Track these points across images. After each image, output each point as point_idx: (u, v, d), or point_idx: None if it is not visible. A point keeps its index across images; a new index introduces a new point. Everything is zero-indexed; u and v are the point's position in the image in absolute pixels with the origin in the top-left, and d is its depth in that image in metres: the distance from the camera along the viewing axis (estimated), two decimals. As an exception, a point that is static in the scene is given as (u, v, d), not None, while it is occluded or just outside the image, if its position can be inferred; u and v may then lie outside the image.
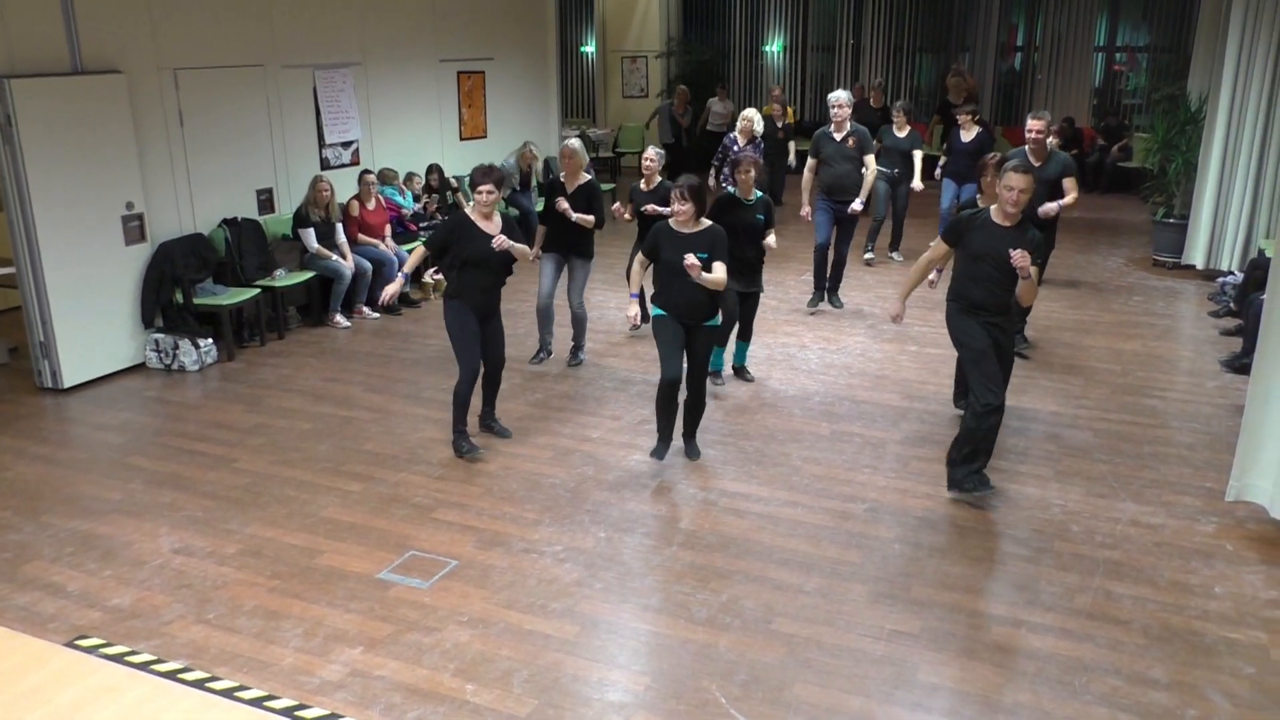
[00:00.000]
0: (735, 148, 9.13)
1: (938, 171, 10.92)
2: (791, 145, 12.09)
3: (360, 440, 6.18)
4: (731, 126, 10.15)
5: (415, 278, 9.40)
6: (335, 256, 8.47)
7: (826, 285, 8.93)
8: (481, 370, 5.99)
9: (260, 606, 4.37)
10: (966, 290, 5.18)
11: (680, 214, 5.41)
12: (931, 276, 6.38)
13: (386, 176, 9.58)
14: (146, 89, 7.51)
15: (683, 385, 5.68)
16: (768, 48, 18.13)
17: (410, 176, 9.98)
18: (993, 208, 5.15)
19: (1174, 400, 6.77)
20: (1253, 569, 4.66)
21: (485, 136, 11.52)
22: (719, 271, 5.37)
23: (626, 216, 7.57)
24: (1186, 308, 9.08)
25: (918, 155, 10.25)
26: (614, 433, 6.25)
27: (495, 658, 4.00)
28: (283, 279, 8.22)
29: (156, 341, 7.49)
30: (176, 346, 7.44)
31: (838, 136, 8.62)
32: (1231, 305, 8.60)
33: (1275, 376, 4.91)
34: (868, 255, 10.62)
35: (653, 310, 5.64)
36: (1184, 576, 4.60)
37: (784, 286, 9.66)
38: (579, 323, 7.44)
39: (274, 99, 8.68)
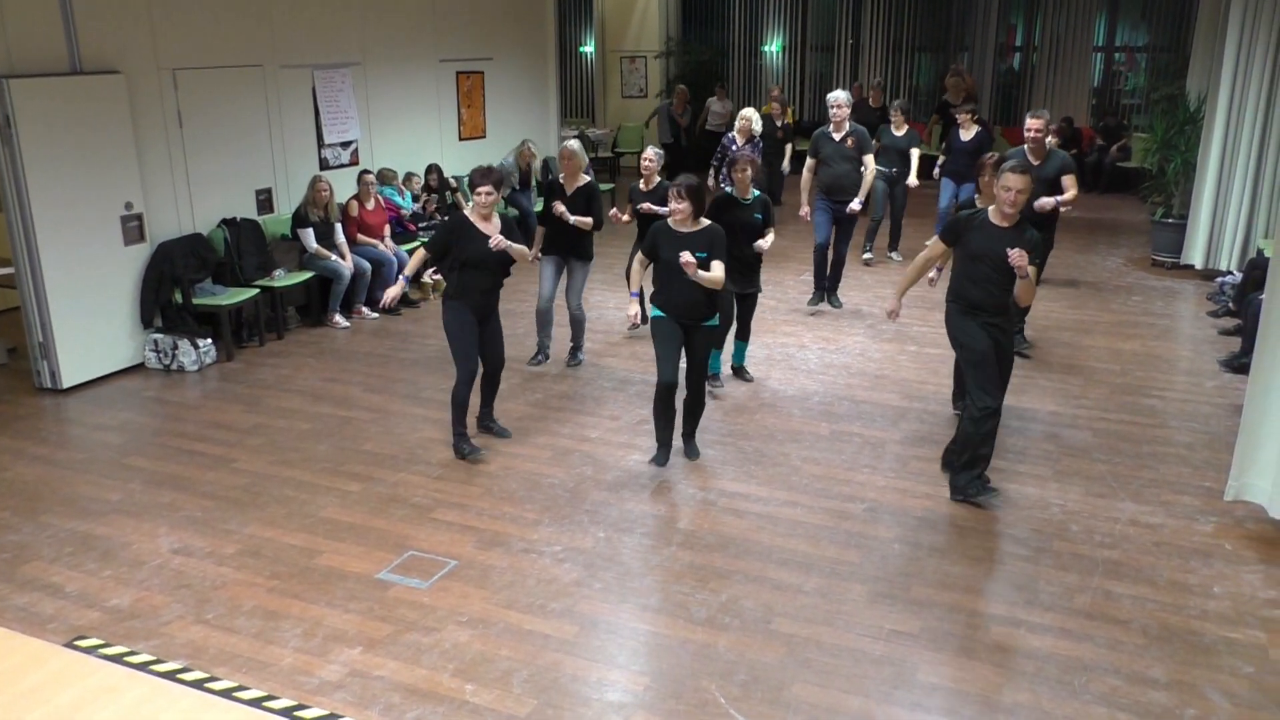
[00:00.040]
0: (734, 147, 9.12)
1: (936, 171, 10.93)
2: (789, 147, 12.08)
3: (359, 440, 6.18)
4: (730, 126, 10.14)
5: (414, 278, 9.38)
6: (334, 256, 8.47)
7: (826, 285, 8.93)
8: (480, 371, 5.99)
9: (259, 607, 4.37)
10: (965, 291, 5.18)
11: (677, 213, 5.41)
12: (931, 275, 6.39)
13: (386, 177, 9.58)
14: (145, 89, 7.51)
15: (681, 385, 5.68)
16: (767, 47, 18.13)
17: (409, 176, 9.98)
18: (990, 208, 5.15)
19: (1173, 400, 6.78)
20: (1251, 568, 4.67)
21: (484, 136, 11.52)
22: (717, 270, 5.36)
23: (624, 219, 7.57)
24: (1185, 307, 9.08)
25: (915, 153, 10.27)
26: (613, 433, 6.25)
27: (495, 658, 4.00)
28: (282, 279, 8.21)
29: (155, 342, 7.49)
30: (175, 347, 7.44)
31: (836, 136, 8.62)
32: (1230, 305, 8.61)
33: (1274, 376, 4.91)
34: (866, 255, 10.62)
35: (651, 311, 5.64)
36: (1183, 576, 4.60)
37: (783, 286, 9.67)
38: (577, 324, 7.44)
39: (273, 99, 8.68)
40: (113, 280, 7.27)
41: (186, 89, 7.83)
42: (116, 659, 3.92)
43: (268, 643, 4.11)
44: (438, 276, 9.06)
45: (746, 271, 6.64)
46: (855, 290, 9.45)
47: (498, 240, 5.68)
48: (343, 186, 9.03)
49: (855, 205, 8.57)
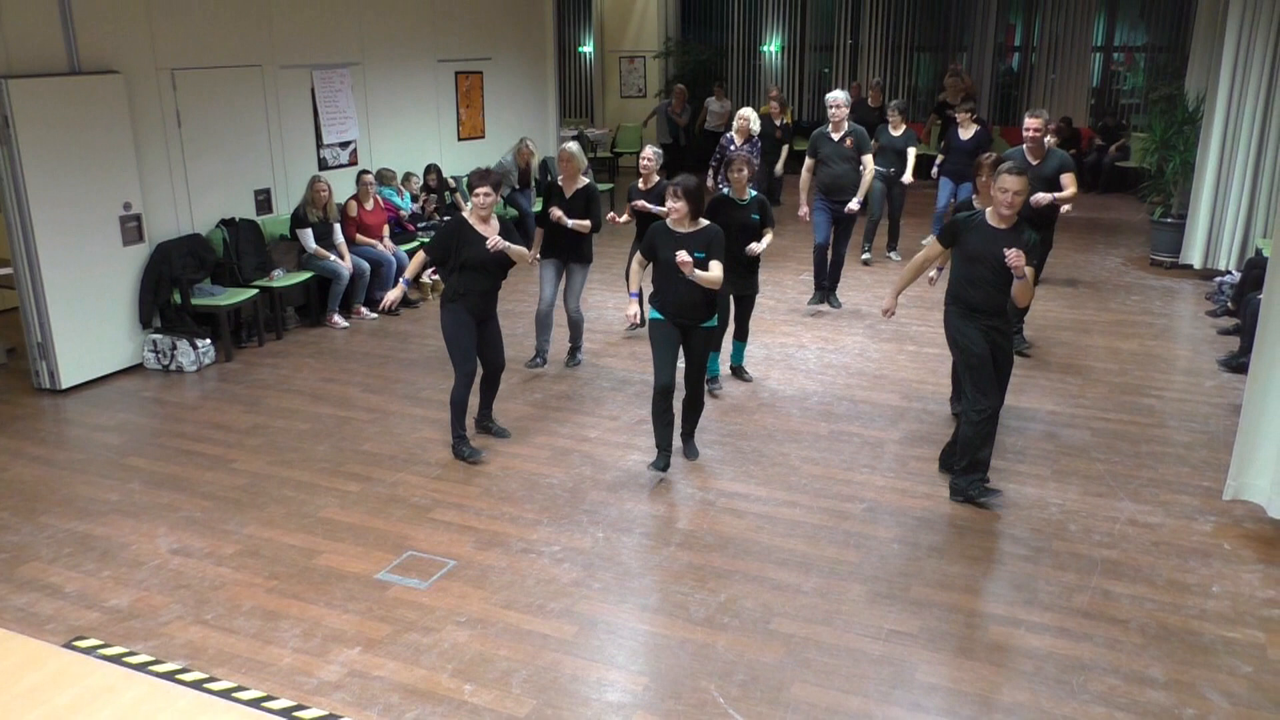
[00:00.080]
0: (732, 147, 9.12)
1: (934, 170, 10.94)
2: (785, 149, 12.05)
3: (358, 441, 6.18)
4: (728, 126, 10.14)
5: (414, 279, 9.38)
6: (333, 257, 8.47)
7: (826, 285, 8.93)
8: (481, 373, 5.99)
9: (258, 607, 4.37)
10: (963, 293, 5.17)
11: (674, 212, 5.40)
12: (931, 274, 6.38)
13: (385, 177, 9.58)
14: (144, 89, 7.50)
15: (680, 385, 5.68)
16: (766, 47, 18.13)
17: (408, 177, 9.97)
18: (988, 210, 5.14)
19: (1171, 399, 6.78)
20: (1250, 568, 4.67)
21: (483, 137, 11.52)
22: (715, 270, 5.34)
23: (621, 219, 7.58)
24: (1184, 307, 9.09)
25: (911, 152, 10.29)
26: (612, 433, 6.25)
27: (494, 658, 4.00)
28: (280, 279, 8.21)
29: (154, 342, 7.48)
30: (174, 347, 7.44)
31: (835, 136, 8.62)
32: (1229, 304, 8.61)
33: (1272, 376, 4.91)
34: (865, 255, 10.62)
35: (650, 313, 5.62)
36: (1181, 575, 4.61)
37: (782, 286, 9.67)
38: (576, 325, 7.43)
39: (272, 99, 8.67)
40: (111, 281, 7.27)
41: (185, 89, 7.83)
42: (115, 659, 3.92)
43: (267, 643, 4.11)
44: (436, 276, 9.06)
45: (744, 272, 6.63)
46: (854, 290, 9.46)
47: (495, 242, 5.67)
48: (341, 187, 9.03)
49: (854, 205, 8.57)
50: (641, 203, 7.26)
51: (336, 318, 8.58)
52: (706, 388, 6.61)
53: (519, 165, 10.60)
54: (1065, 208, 8.04)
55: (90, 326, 7.14)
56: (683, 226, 5.42)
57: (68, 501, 5.40)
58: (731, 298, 6.75)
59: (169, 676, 3.80)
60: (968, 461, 5.22)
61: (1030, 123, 7.25)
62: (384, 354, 7.87)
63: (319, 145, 9.26)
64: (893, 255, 10.82)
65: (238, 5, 8.28)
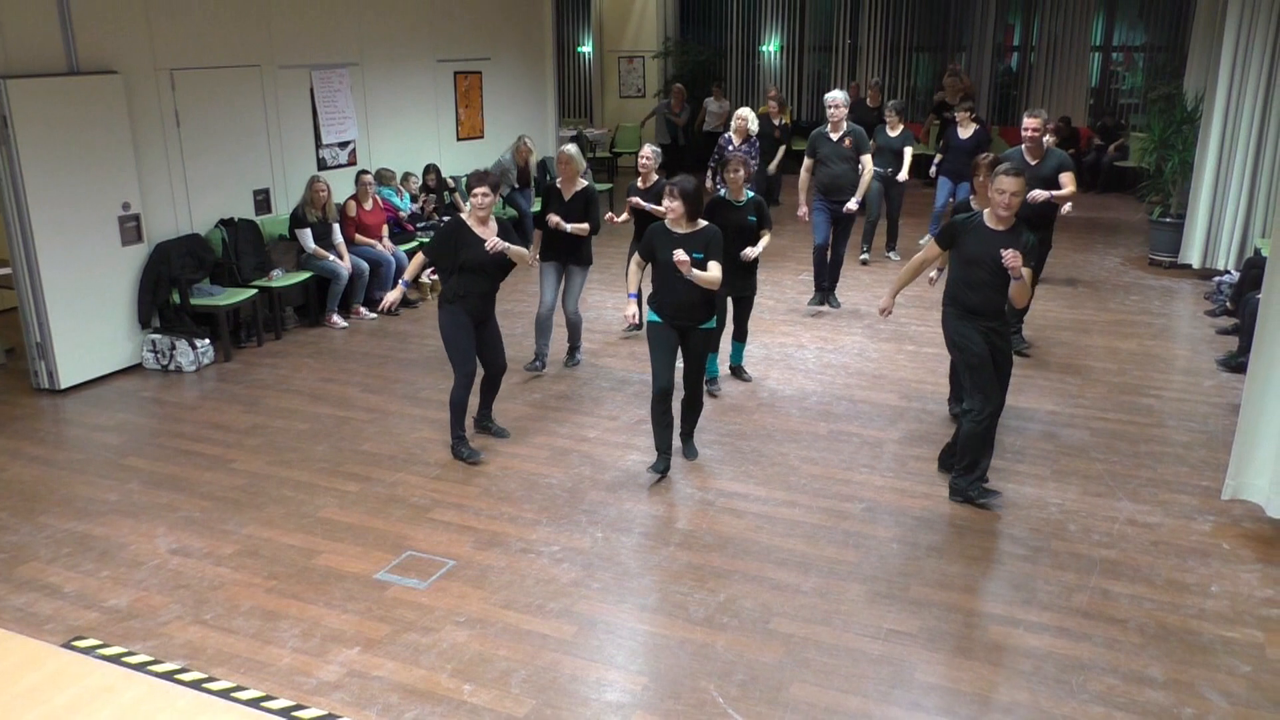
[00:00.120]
0: (730, 147, 9.12)
1: (932, 170, 10.94)
2: (781, 150, 12.03)
3: (357, 441, 6.18)
4: (727, 127, 10.14)
5: (413, 279, 9.38)
6: (332, 257, 8.47)
7: (826, 285, 8.92)
8: (482, 374, 5.98)
9: (257, 607, 4.37)
10: (961, 296, 5.17)
11: (671, 212, 5.39)
12: (931, 275, 6.38)
13: (384, 177, 9.58)
14: (143, 89, 7.50)
15: (679, 385, 5.68)
16: (765, 47, 18.14)
17: (406, 176, 9.97)
18: (986, 211, 5.13)
19: (1170, 399, 6.78)
20: (1249, 567, 4.67)
21: (482, 137, 11.52)
22: (714, 271, 5.32)
23: (619, 219, 7.57)
24: (1183, 307, 9.09)
25: (908, 151, 10.29)
26: (611, 433, 6.25)
27: (493, 658, 4.00)
28: (280, 279, 8.21)
29: (153, 342, 7.48)
30: (173, 347, 7.44)
31: (834, 136, 8.62)
32: (1228, 304, 8.62)
33: (1271, 375, 4.91)
34: (863, 256, 10.62)
35: (648, 315, 5.61)
36: (1180, 575, 4.61)
37: (781, 286, 9.67)
38: (574, 327, 7.41)
39: (271, 99, 8.67)
40: (110, 281, 7.27)
41: (184, 89, 7.83)
42: (114, 659, 3.92)
43: (266, 643, 4.11)
44: (435, 276, 9.06)
45: (742, 273, 6.62)
46: (853, 290, 9.46)
47: (494, 243, 5.65)
48: (340, 187, 9.03)
49: (852, 205, 8.56)
50: (636, 200, 7.27)
51: (335, 318, 8.58)
52: (705, 388, 6.60)
53: (517, 163, 10.59)
54: (1066, 208, 8.04)
55: (89, 326, 7.13)
56: (681, 227, 5.41)
57: (67, 501, 5.39)
58: (730, 299, 6.74)
59: (168, 676, 3.80)
60: (967, 462, 5.22)
61: (1029, 123, 7.25)
62: (383, 354, 7.87)
63: (318, 145, 9.26)
64: (892, 255, 10.82)
65: (236, 5, 8.27)
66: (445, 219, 8.98)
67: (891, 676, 3.89)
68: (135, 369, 7.50)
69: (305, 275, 8.41)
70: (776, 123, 12.29)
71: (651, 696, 3.78)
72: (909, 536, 4.97)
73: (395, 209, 9.54)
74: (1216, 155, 9.59)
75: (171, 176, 7.81)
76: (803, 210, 8.82)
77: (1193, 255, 9.94)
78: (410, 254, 6.45)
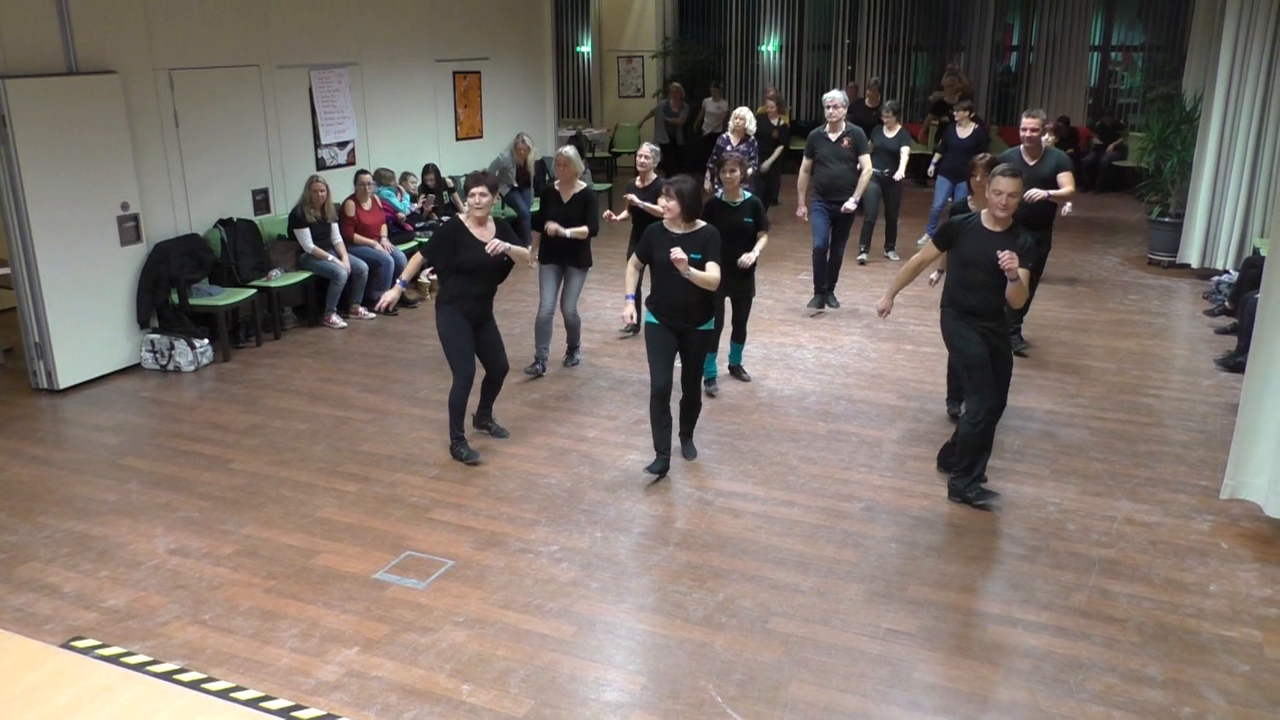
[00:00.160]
0: (728, 148, 9.11)
1: (930, 169, 10.93)
2: (779, 150, 11.99)
3: (356, 441, 6.18)
4: (726, 127, 10.13)
5: (411, 279, 9.37)
6: (331, 257, 8.47)
7: (826, 288, 8.91)
8: (483, 374, 5.97)
9: (256, 607, 4.37)
10: (959, 296, 5.16)
11: (668, 211, 5.39)
12: (932, 276, 6.37)
13: (383, 177, 9.57)
14: (141, 89, 7.50)
15: (677, 386, 5.67)
16: (764, 47, 18.14)
17: (405, 176, 9.96)
18: (983, 212, 5.13)
19: (1169, 399, 6.79)
20: (1247, 567, 4.68)
21: (481, 136, 11.52)
22: (712, 271, 5.31)
23: (617, 217, 7.56)
24: (1182, 306, 9.09)
25: (904, 151, 10.27)
26: (610, 433, 6.25)
27: (492, 658, 4.00)
28: (278, 279, 8.21)
29: (152, 342, 7.48)
30: (172, 347, 7.44)
31: (832, 137, 8.62)
32: (1226, 304, 8.62)
33: (1269, 375, 4.92)
34: (861, 256, 10.62)
35: (646, 316, 5.59)
36: (1179, 574, 4.61)
37: (780, 286, 9.67)
38: (573, 328, 7.40)
39: (269, 99, 8.67)
40: (109, 280, 7.27)
41: (182, 89, 7.82)
42: (113, 660, 3.92)
43: (265, 643, 4.11)
44: (434, 277, 9.06)
45: (740, 274, 6.58)
46: (852, 290, 9.46)
47: (495, 246, 5.63)
48: (339, 187, 9.03)
49: (850, 205, 8.55)
50: (632, 197, 7.27)
51: (334, 318, 8.58)
52: (704, 388, 6.59)
53: (516, 161, 10.57)
54: (1065, 209, 8.04)
55: (88, 326, 7.13)
56: (678, 227, 5.40)
57: (65, 502, 5.39)
58: (728, 300, 6.73)
59: (167, 676, 3.80)
60: (965, 463, 5.23)
61: (1027, 123, 7.25)
62: (382, 354, 7.87)
63: (317, 145, 9.25)
64: (891, 255, 10.82)
65: (235, 5, 8.27)
66: (444, 219, 8.98)
67: (890, 676, 3.89)
68: (134, 369, 7.50)
69: (304, 275, 8.41)
70: (775, 123, 12.29)
71: (650, 696, 3.78)
72: (908, 536, 4.97)
73: (394, 209, 9.53)
74: (1215, 155, 9.59)
75: (170, 176, 7.81)
76: (802, 210, 8.81)
77: (1191, 255, 9.95)
78: (409, 254, 6.44)
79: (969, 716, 3.67)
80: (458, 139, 11.20)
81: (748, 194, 6.59)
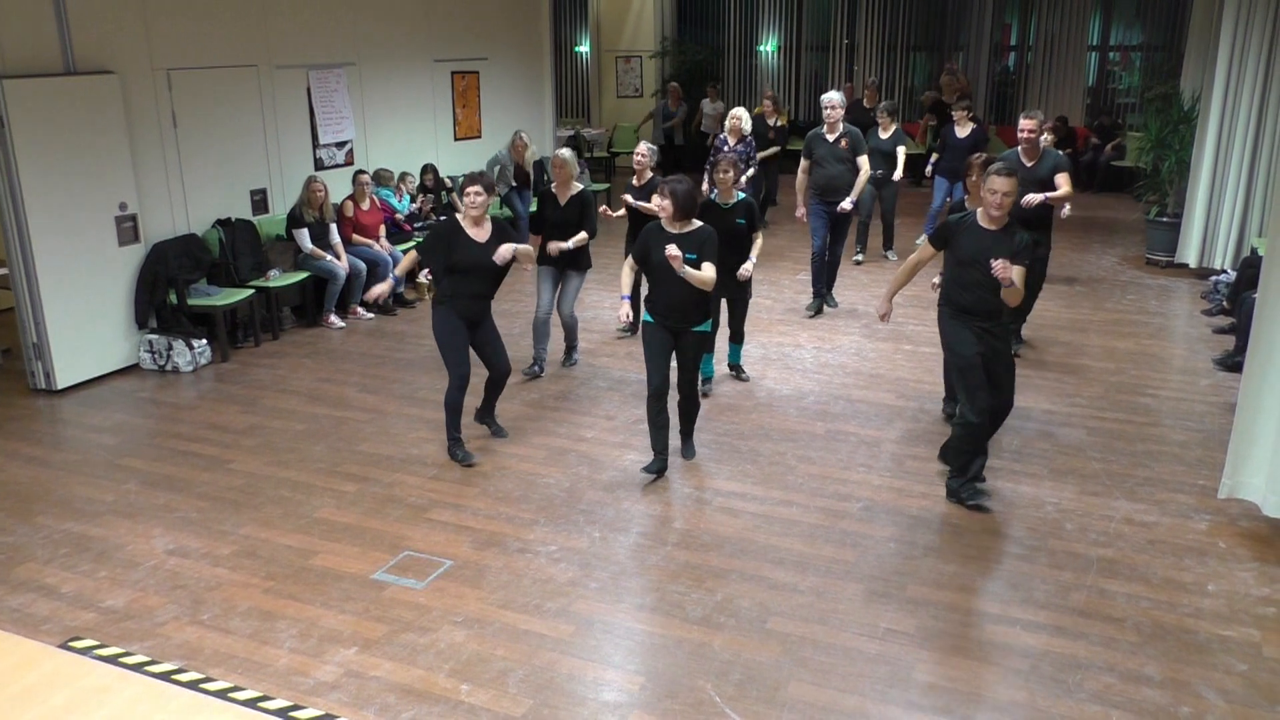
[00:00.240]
0: (725, 148, 9.11)
1: (928, 169, 10.93)
2: (771, 150, 11.94)
3: (355, 441, 6.17)
4: (723, 128, 10.12)
5: (410, 278, 9.39)
6: (329, 257, 8.47)
7: (824, 291, 8.90)
8: (487, 374, 5.97)
9: (255, 607, 4.37)
10: (956, 295, 5.16)
11: (663, 210, 5.38)
12: (935, 279, 6.37)
13: (383, 178, 9.56)
14: (140, 89, 7.50)
15: (675, 387, 5.67)
16: (762, 47, 18.14)
17: (404, 176, 9.94)
18: (979, 211, 5.13)
19: (1167, 398, 6.79)
20: (1245, 566, 4.68)
21: (480, 137, 11.52)
22: (708, 271, 5.29)
23: (614, 215, 7.55)
24: (1180, 306, 9.10)
25: (901, 151, 10.24)
26: (608, 432, 6.25)
27: (490, 658, 4.00)
28: (277, 279, 8.21)
29: (150, 342, 7.48)
30: (170, 347, 7.43)
31: (830, 137, 8.61)
32: (1224, 303, 8.63)
33: (1267, 374, 4.92)
34: (857, 257, 10.61)
35: (644, 316, 5.59)
36: (1177, 574, 4.62)
37: (778, 286, 9.67)
38: (570, 329, 7.38)
39: (268, 99, 8.67)
40: (107, 281, 7.26)
41: (181, 89, 7.82)
42: (111, 660, 3.92)
43: (263, 643, 4.11)
44: (430, 278, 9.05)
45: (735, 277, 6.54)
46: (851, 290, 9.46)
47: (504, 254, 5.60)
48: (338, 187, 9.02)
49: (846, 204, 8.54)
50: (627, 198, 7.26)
51: (333, 318, 8.57)
52: (700, 388, 6.59)
53: (514, 159, 10.55)
54: (1064, 212, 8.04)
55: (86, 327, 7.13)
56: (675, 227, 5.39)
57: (64, 502, 5.39)
58: (724, 301, 6.72)
59: (165, 677, 3.80)
60: (959, 464, 5.23)
61: (1025, 124, 7.25)
62: (380, 354, 7.87)
63: (315, 145, 9.25)
64: (889, 255, 10.82)
65: (233, 5, 8.27)
66: (442, 219, 8.96)
67: (889, 675, 3.89)
68: (132, 369, 7.50)
69: (302, 275, 8.41)
70: (771, 123, 12.29)
71: (649, 696, 3.78)
72: (906, 536, 4.97)
73: (392, 209, 9.53)
74: (1213, 154, 9.60)
75: (168, 177, 7.80)
76: (800, 211, 8.81)
77: (1189, 254, 9.95)
78: (407, 254, 6.44)
79: (967, 716, 3.67)
80: (456, 139, 11.20)
81: (741, 195, 6.56)
